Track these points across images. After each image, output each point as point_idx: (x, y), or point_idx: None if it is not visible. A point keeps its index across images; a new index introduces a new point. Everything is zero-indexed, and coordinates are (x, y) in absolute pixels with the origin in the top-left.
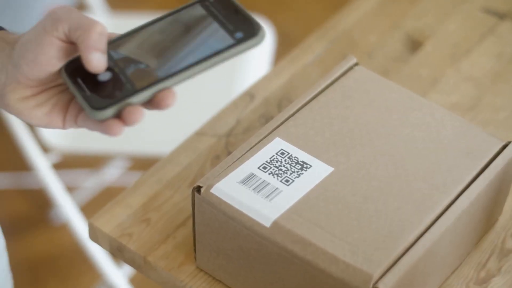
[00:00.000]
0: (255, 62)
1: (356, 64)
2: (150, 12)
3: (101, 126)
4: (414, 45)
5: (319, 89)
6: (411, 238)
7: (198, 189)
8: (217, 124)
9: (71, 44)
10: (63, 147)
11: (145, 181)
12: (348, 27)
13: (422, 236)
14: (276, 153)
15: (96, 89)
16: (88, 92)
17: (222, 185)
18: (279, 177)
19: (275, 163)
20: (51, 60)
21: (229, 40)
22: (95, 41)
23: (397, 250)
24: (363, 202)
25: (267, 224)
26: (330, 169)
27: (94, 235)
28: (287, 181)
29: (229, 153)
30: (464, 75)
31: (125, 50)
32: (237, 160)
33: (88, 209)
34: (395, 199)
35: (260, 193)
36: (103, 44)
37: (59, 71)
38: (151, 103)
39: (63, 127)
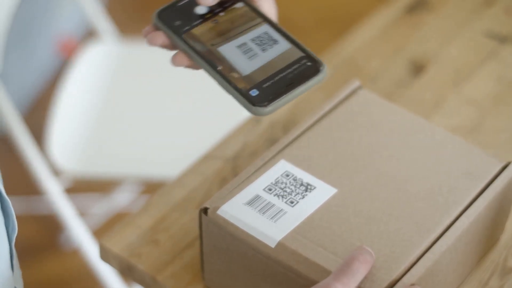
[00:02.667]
0: None
1: (359, 88)
2: None
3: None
4: (417, 69)
5: (323, 112)
6: (412, 258)
7: (205, 210)
8: (224, 148)
9: None
10: (74, 171)
11: (153, 203)
12: (352, 52)
13: (423, 256)
14: (281, 175)
15: (181, 8)
16: (179, 4)
17: (228, 207)
18: (284, 199)
19: (280, 184)
20: None
21: (245, 85)
22: None
23: (398, 269)
24: (366, 223)
25: (272, 244)
26: (333, 191)
27: (105, 255)
28: (291, 202)
29: (236, 175)
30: (466, 98)
31: (223, 20)
32: (242, 182)
33: (99, 233)
34: (397, 220)
35: (266, 214)
36: None
37: None
38: None
39: None
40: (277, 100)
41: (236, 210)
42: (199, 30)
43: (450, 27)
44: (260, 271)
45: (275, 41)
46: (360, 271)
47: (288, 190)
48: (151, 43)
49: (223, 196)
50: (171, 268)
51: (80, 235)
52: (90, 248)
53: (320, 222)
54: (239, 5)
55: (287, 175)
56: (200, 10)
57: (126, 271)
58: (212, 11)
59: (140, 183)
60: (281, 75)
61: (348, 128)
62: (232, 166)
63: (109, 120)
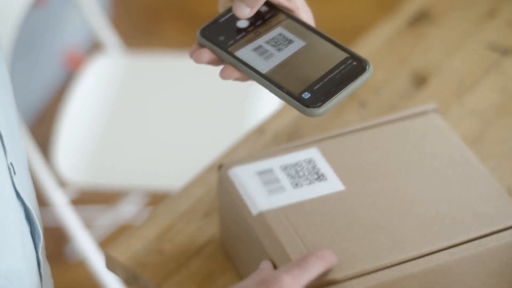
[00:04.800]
0: (266, 98)
1: (433, 111)
2: (165, 49)
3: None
4: (420, 80)
5: (382, 120)
6: (369, 268)
7: (221, 167)
8: (229, 158)
9: None
10: (80, 183)
11: (159, 213)
12: None
13: (381, 271)
14: (304, 160)
15: (223, 24)
16: (220, 20)
17: (240, 170)
18: (292, 179)
19: (297, 167)
20: None
21: (297, 90)
22: None
23: (349, 271)
24: (349, 225)
25: (254, 212)
26: (341, 187)
27: (111, 264)
28: (296, 184)
29: None
30: (469, 109)
31: (263, 28)
32: (271, 153)
33: (105, 245)
34: (380, 232)
35: (266, 186)
36: (251, 2)
37: None
38: None
39: None
40: (329, 101)
41: (244, 175)
42: (244, 42)
43: (452, 39)
44: (244, 234)
45: (318, 46)
46: (315, 267)
47: (301, 174)
48: (198, 60)
49: (243, 160)
50: (176, 277)
51: (86, 246)
52: (95, 260)
53: (309, 210)
54: (278, 15)
55: (309, 162)
56: (241, 24)
57: (131, 280)
58: (253, 24)
59: (145, 195)
60: (330, 76)
61: (392, 142)
62: None
63: (114, 132)
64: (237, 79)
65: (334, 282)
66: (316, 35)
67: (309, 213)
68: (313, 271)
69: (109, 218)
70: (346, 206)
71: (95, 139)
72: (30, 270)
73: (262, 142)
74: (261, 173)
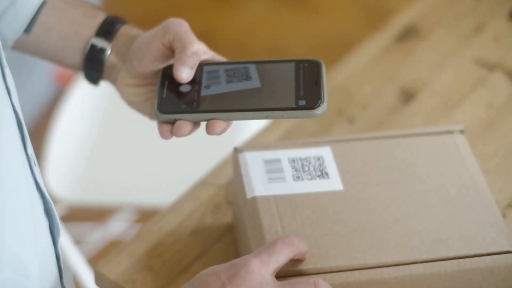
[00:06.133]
0: None
1: (459, 131)
2: None
3: (159, 125)
4: (407, 96)
5: (403, 133)
6: (335, 266)
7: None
8: (218, 175)
9: (172, 52)
10: (70, 199)
11: (148, 229)
12: (344, 80)
13: (349, 272)
14: (314, 156)
15: (171, 95)
16: (164, 95)
17: (249, 156)
18: (295, 172)
19: (305, 161)
20: (154, 61)
21: (291, 103)
22: (187, 57)
23: (336, 264)
24: (334, 223)
25: (248, 195)
26: (339, 187)
27: (100, 281)
28: (298, 177)
29: (229, 202)
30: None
31: (210, 77)
32: (287, 144)
33: (94, 261)
34: (362, 234)
35: (268, 174)
36: (192, 62)
37: (159, 70)
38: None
39: (150, 118)
40: (323, 97)
41: (251, 161)
42: (204, 95)
43: (440, 54)
44: (239, 215)
45: (269, 69)
46: (283, 252)
47: (306, 169)
48: (181, 134)
49: (257, 147)
50: None
51: (75, 263)
52: (85, 276)
53: (300, 202)
54: (210, 65)
55: (318, 159)
56: (185, 87)
57: None
58: (195, 80)
59: (135, 212)
60: (302, 81)
61: (406, 154)
62: (225, 192)
63: (104, 148)
64: (223, 129)
65: (301, 274)
66: (259, 63)
67: (299, 206)
68: (280, 256)
69: (98, 235)
70: (337, 206)
71: (84, 156)
72: (44, 262)
73: None
74: (267, 162)
